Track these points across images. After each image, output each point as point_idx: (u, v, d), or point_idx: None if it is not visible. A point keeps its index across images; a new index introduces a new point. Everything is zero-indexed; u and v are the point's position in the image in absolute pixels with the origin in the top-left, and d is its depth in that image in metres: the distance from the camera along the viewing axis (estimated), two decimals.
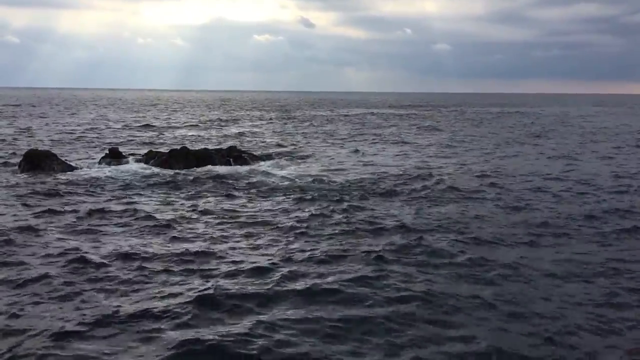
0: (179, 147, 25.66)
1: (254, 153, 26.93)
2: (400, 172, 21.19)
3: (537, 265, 10.24)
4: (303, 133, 41.69)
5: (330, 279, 9.33)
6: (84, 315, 7.88)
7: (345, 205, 15.11)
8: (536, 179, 19.94)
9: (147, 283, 9.17)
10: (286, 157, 26.29)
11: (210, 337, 7.17)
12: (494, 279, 9.52)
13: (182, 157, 23.43)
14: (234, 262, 10.23)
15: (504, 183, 19.02)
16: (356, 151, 28.82)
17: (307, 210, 14.47)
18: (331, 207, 14.67)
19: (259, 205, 15.30)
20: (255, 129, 46.12)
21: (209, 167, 22.24)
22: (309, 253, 10.76)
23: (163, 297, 8.51)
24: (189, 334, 7.28)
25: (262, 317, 7.80)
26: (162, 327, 7.53)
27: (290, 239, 11.87)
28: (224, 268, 9.86)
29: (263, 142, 34.32)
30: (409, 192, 17.16)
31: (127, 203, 15.23)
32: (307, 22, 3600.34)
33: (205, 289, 8.76)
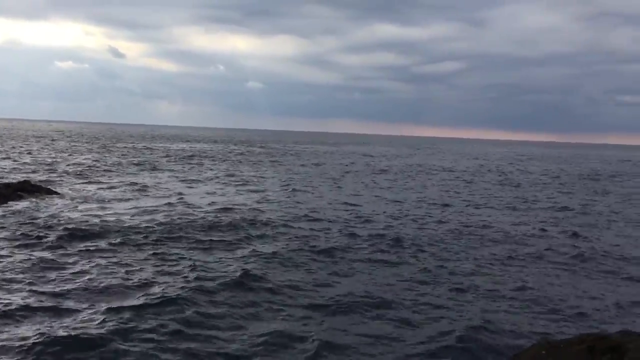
0: None
1: (51, 187, 26.13)
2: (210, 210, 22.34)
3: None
4: (106, 167, 40.89)
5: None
6: None
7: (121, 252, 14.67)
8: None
9: None
10: (87, 191, 25.91)
11: None
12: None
13: None
14: None
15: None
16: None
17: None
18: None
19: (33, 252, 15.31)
20: (56, 160, 43.98)
21: None
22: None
23: None
24: None
25: None
26: None
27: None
28: None
29: (61, 174, 33.09)
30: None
31: None
32: (116, 52, 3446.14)
33: None
